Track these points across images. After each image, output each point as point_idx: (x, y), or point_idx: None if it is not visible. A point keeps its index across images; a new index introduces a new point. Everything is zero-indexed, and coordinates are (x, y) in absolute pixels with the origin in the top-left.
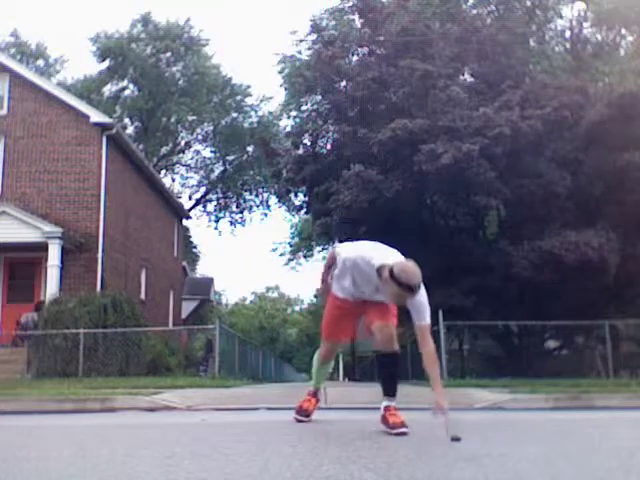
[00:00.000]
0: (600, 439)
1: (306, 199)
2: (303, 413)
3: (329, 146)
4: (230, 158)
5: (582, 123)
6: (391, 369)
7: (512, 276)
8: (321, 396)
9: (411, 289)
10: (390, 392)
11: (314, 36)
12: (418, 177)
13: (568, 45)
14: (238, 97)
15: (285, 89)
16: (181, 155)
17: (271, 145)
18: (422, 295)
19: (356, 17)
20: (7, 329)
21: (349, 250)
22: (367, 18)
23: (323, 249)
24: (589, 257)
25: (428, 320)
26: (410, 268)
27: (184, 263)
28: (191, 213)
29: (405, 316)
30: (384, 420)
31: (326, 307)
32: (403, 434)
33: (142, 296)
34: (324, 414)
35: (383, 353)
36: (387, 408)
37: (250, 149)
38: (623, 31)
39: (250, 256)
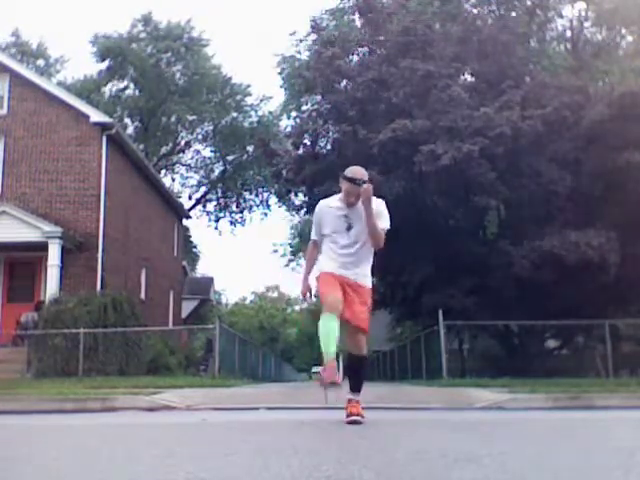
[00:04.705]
0: (600, 439)
1: (306, 199)
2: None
3: (329, 146)
4: (230, 158)
5: (582, 123)
6: (358, 369)
7: (512, 276)
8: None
9: (351, 180)
10: (355, 388)
11: (314, 36)
12: (418, 177)
13: (569, 45)
14: (238, 97)
15: (285, 89)
16: (181, 155)
17: (271, 145)
18: (380, 206)
19: (356, 17)
20: (7, 329)
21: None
22: (367, 18)
23: None
24: (589, 257)
25: (386, 226)
26: (354, 167)
27: (184, 263)
28: (191, 213)
29: (403, 316)
30: (345, 410)
31: (318, 285)
32: (355, 422)
33: (142, 296)
34: (324, 414)
35: (353, 355)
36: (349, 400)
37: (250, 149)
38: (623, 31)
39: (250, 256)
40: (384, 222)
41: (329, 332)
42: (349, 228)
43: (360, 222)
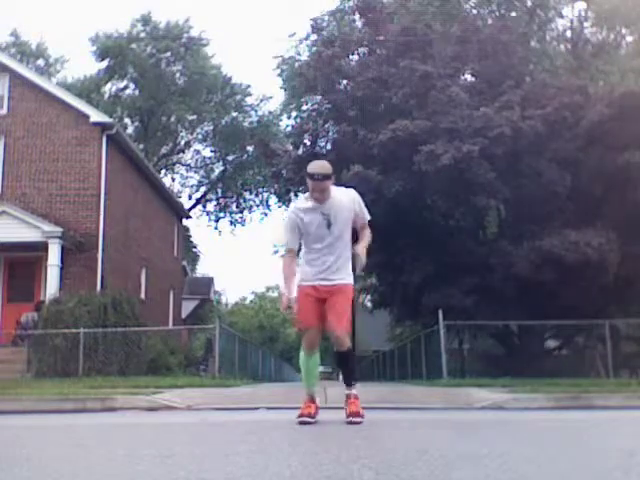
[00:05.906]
0: (600, 439)
1: None
2: (306, 416)
3: (329, 146)
4: (230, 158)
5: (582, 123)
6: (347, 362)
7: (512, 276)
8: (318, 401)
9: (312, 175)
10: (348, 381)
11: (314, 36)
12: (418, 177)
13: (569, 45)
14: (238, 97)
15: (285, 90)
16: (181, 155)
17: (270, 146)
18: (354, 197)
19: (356, 17)
20: (7, 329)
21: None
22: (367, 18)
23: None
24: (589, 257)
25: (367, 218)
26: (314, 162)
27: (184, 263)
28: (191, 213)
29: (403, 316)
30: (345, 409)
31: (297, 301)
32: (355, 423)
33: (142, 296)
34: (324, 414)
35: (339, 351)
36: (348, 397)
37: (250, 149)
38: (623, 31)
39: (250, 256)
40: (365, 216)
41: (309, 372)
42: (329, 225)
43: (337, 217)
